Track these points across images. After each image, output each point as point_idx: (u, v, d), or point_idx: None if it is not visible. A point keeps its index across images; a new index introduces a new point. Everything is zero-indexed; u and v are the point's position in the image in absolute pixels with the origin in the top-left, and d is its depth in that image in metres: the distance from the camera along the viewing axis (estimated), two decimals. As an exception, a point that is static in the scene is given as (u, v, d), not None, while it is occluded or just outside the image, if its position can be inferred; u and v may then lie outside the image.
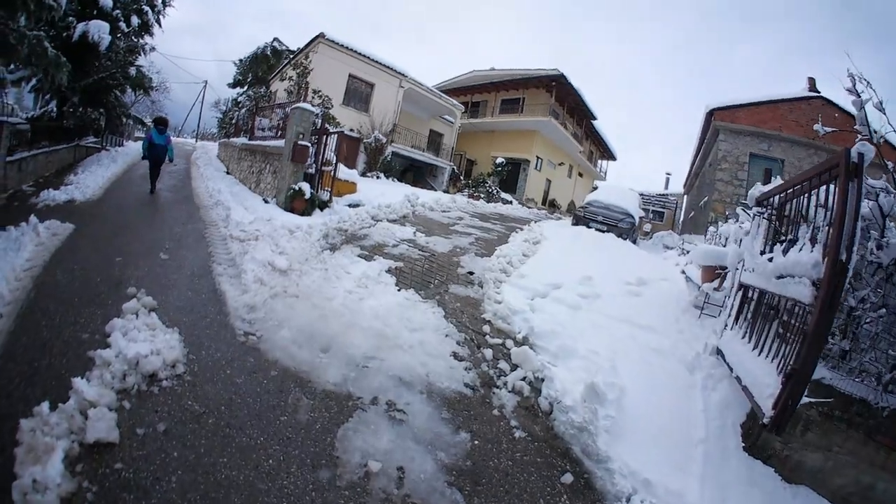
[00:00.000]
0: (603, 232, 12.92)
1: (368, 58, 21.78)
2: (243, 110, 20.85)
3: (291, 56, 21.53)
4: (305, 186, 9.46)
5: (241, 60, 36.56)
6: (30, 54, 8.27)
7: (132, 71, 17.61)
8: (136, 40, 17.33)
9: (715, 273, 6.22)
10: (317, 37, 20.50)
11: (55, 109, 16.07)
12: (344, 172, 11.75)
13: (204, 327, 4.48)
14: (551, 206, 31.70)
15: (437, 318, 5.31)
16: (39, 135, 13.02)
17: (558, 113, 28.60)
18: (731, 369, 4.07)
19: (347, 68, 21.08)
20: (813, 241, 3.22)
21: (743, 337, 4.22)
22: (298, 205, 9.48)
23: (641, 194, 19.81)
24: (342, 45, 20.78)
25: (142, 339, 3.81)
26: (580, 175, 38.47)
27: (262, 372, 3.87)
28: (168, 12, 17.65)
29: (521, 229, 11.87)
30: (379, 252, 7.52)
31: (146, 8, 16.53)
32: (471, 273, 7.20)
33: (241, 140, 15.36)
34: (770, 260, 3.85)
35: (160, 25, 17.38)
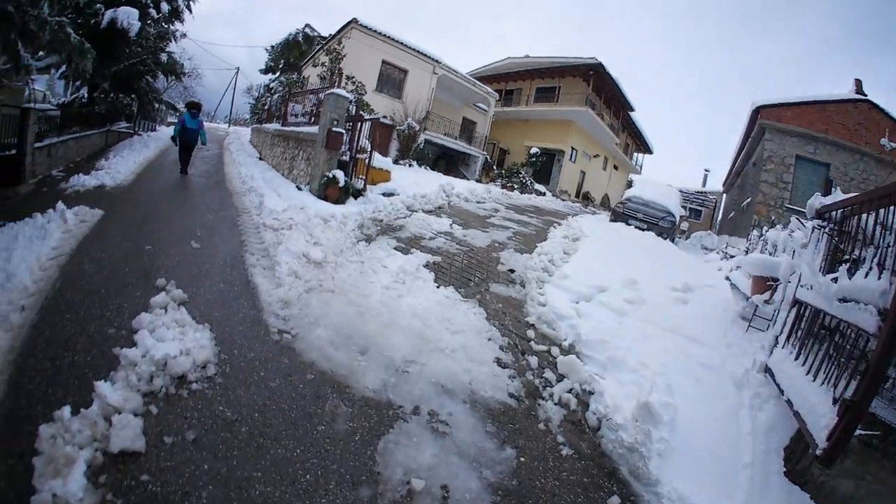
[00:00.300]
0: (643, 230, 12.45)
1: (402, 43, 21.39)
2: (276, 96, 20.67)
3: (324, 42, 21.23)
4: (339, 174, 9.22)
5: (272, 47, 36.62)
6: (52, 40, 8.08)
7: (163, 57, 17.61)
8: (166, 27, 17.27)
9: (766, 284, 5.79)
10: (350, 22, 20.21)
11: (86, 95, 16.21)
12: (377, 160, 11.49)
13: (236, 323, 4.26)
14: (585, 198, 31.05)
15: (479, 320, 5.03)
16: (70, 120, 13.09)
17: (594, 103, 27.79)
18: (781, 391, 3.75)
19: (381, 54, 20.74)
20: (881, 266, 2.89)
21: (796, 358, 3.85)
22: (332, 193, 9.26)
23: (679, 191, 19.13)
24: (375, 31, 20.42)
25: (170, 338, 3.60)
26: (615, 168, 37.58)
27: (297, 375, 3.65)
28: None
29: (559, 224, 11.50)
30: (416, 245, 7.26)
31: (177, -7, 16.46)
32: (511, 271, 6.89)
33: (274, 126, 15.21)
34: (835, 280, 3.47)
35: (190, 12, 17.29)
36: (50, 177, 10.44)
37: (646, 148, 41.30)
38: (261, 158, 15.97)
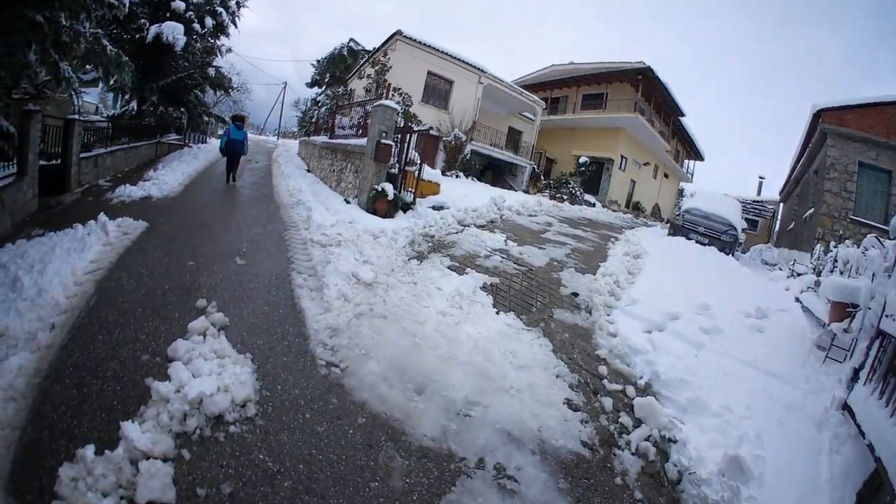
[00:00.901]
0: (703, 245, 11.66)
1: (447, 54, 21.11)
2: (323, 109, 20.68)
3: (369, 54, 21.16)
4: (388, 187, 8.90)
5: (318, 61, 37.19)
6: (88, 53, 8.08)
7: (211, 71, 17.83)
8: (212, 41, 17.47)
9: (845, 311, 5.09)
10: (394, 34, 20.08)
11: (135, 108, 16.46)
12: (426, 172, 11.11)
13: (280, 353, 3.92)
14: (635, 209, 29.97)
15: (545, 353, 4.56)
16: (119, 132, 13.36)
17: (643, 109, 26.88)
18: (861, 433, 3.29)
19: (426, 65, 20.50)
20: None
21: (880, 397, 3.32)
22: (381, 206, 8.94)
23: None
24: (420, 42, 20.20)
25: (207, 372, 3.29)
26: (665, 176, 36.20)
27: (347, 418, 3.26)
28: (243, 13, 17.81)
29: (617, 239, 10.92)
30: (470, 264, 6.83)
31: (220, 9, 16.64)
32: (575, 294, 6.37)
33: (322, 138, 15.12)
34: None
35: (235, 26, 17.52)
36: (96, 186, 10.50)
37: (696, 154, 39.60)
38: (308, 171, 15.91)
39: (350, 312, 4.61)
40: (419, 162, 10.10)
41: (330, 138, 14.08)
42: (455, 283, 5.81)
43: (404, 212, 9.29)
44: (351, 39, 35.32)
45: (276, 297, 5.04)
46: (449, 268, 6.43)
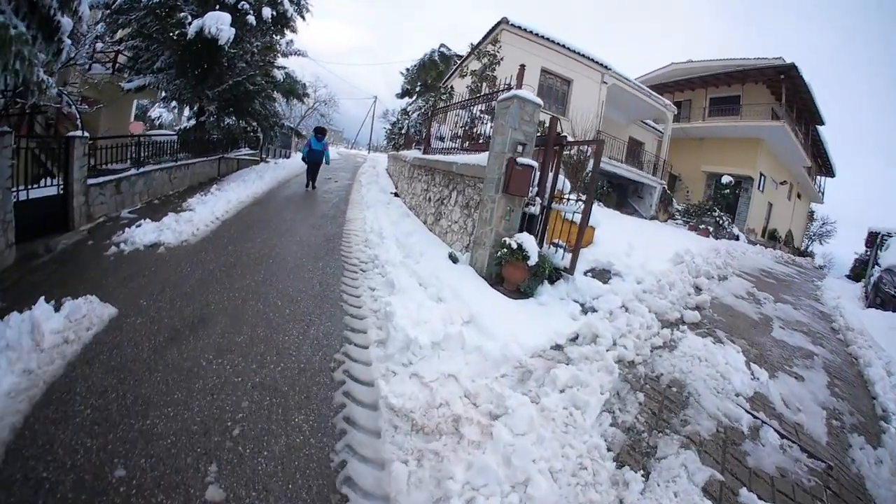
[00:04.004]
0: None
1: (564, 46, 16.81)
2: (415, 115, 16.74)
3: (472, 48, 16.93)
4: (528, 242, 5.01)
5: (408, 70, 34.02)
6: None
7: (277, 74, 14.62)
8: (274, 38, 14.26)
9: None
10: (498, 24, 16.00)
11: (193, 120, 13.78)
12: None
13: None
14: (771, 238, 24.27)
15: None
16: (163, 148, 10.93)
17: (779, 115, 21.38)
18: None
19: (539, 61, 16.28)
20: None
21: None
22: (514, 274, 5.11)
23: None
24: (531, 32, 16.04)
25: None
26: (798, 196, 29.72)
27: None
28: (312, 4, 14.31)
29: (835, 323, 6.42)
30: (739, 462, 2.90)
31: (281, -3, 13.46)
32: None
33: (413, 154, 11.30)
34: None
35: (303, 19, 14.12)
36: (112, 221, 7.72)
37: (828, 170, 32.34)
38: (396, 194, 12.30)
39: None
40: (568, 194, 6.11)
41: (424, 153, 10.37)
42: None
43: (551, 283, 5.40)
44: (442, 45, 31.96)
45: None
46: (705, 491, 2.58)
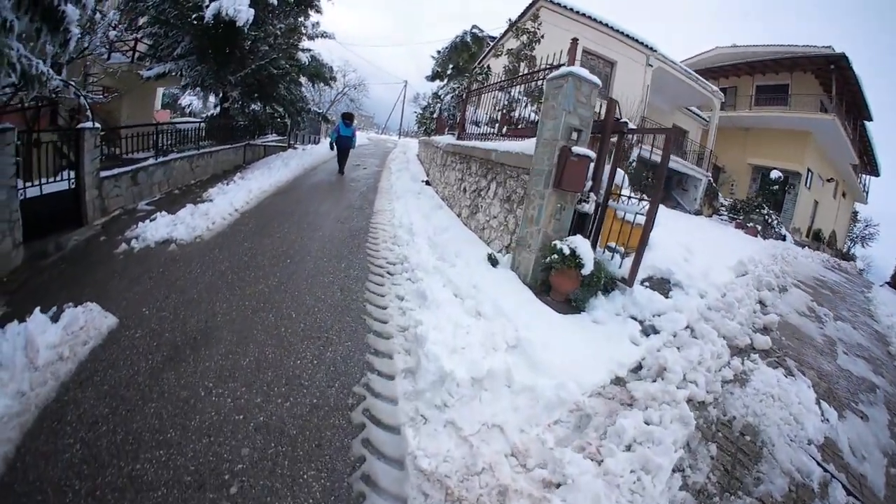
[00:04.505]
0: None
1: (606, 25, 15.63)
2: (448, 97, 15.78)
3: (511, 22, 15.66)
4: (583, 248, 4.28)
5: (438, 52, 32.95)
6: None
7: (302, 57, 14.03)
8: (298, 19, 13.69)
9: None
10: (535, 1, 15.33)
11: (218, 107, 13.52)
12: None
13: None
14: (815, 238, 22.68)
15: None
16: (187, 134, 10.83)
17: (827, 107, 19.72)
18: None
19: (580, 41, 15.41)
20: None
21: None
22: (564, 284, 4.40)
23: None
24: (571, 10, 15.06)
25: None
26: (843, 195, 27.90)
27: None
28: None
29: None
30: None
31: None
32: None
33: (446, 139, 10.47)
34: None
35: None
36: (129, 213, 7.40)
37: (873, 168, 30.11)
38: (428, 183, 11.57)
39: None
40: (621, 189, 5.32)
41: (458, 138, 9.56)
42: None
43: (605, 293, 4.66)
44: (474, 26, 30.90)
45: None
46: None
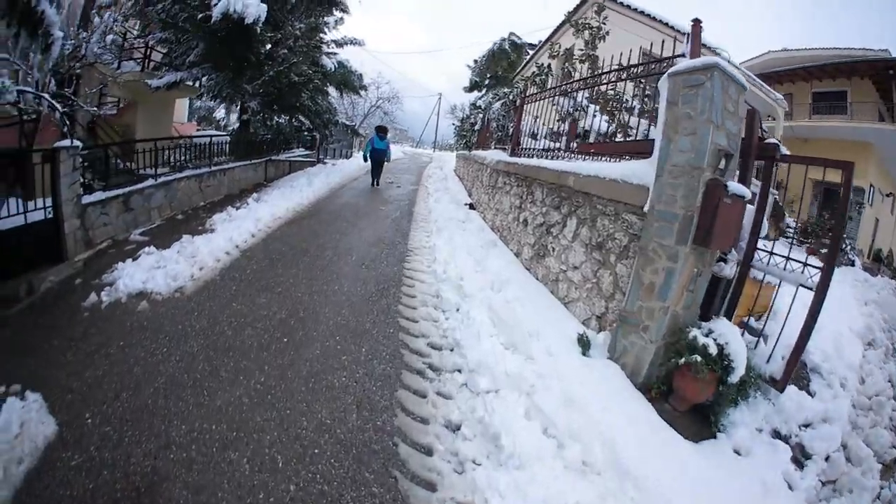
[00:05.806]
0: None
1: (666, 25, 13.96)
2: (497, 104, 13.90)
3: (568, 14, 13.64)
4: (736, 344, 2.67)
5: (475, 61, 31.69)
6: None
7: (326, 62, 12.72)
8: (320, 18, 12.31)
9: None
10: (585, -1, 13.63)
11: (237, 120, 12.83)
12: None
13: None
14: (876, 259, 20.11)
15: None
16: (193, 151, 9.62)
17: (884, 117, 17.79)
18: None
19: (638, 41, 13.70)
20: None
21: None
22: (695, 393, 2.84)
23: None
24: (627, 6, 13.66)
25: None
26: None
27: None
28: None
29: None
30: None
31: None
32: None
33: (495, 155, 8.83)
34: None
35: None
36: (118, 245, 6.28)
37: None
38: (471, 206, 10.09)
39: None
40: (770, 245, 3.66)
41: (512, 155, 7.86)
42: None
43: (744, 399, 3.07)
44: (511, 33, 29.66)
45: None
46: None
